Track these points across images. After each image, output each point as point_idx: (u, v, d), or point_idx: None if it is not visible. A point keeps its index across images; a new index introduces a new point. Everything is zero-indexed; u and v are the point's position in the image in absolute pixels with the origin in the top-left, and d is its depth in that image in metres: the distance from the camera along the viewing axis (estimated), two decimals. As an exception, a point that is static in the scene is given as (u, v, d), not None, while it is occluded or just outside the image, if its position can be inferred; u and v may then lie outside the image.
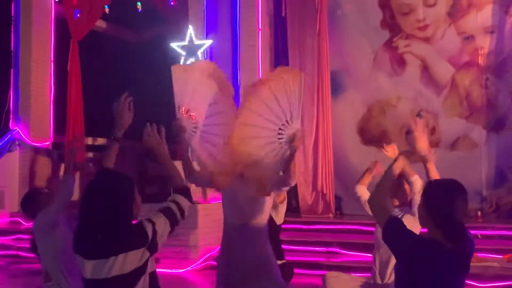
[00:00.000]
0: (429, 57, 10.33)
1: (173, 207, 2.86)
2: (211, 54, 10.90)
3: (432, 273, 2.75)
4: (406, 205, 5.00)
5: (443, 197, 2.84)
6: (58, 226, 4.26)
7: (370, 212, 4.41)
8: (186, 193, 2.98)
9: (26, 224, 9.33)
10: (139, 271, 2.69)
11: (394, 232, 2.85)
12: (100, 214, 2.66)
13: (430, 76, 10.32)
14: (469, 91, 10.03)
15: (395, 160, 3.14)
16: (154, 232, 2.70)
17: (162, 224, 2.76)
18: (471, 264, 2.94)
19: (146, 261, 2.71)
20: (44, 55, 11.54)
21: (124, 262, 2.62)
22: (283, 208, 6.49)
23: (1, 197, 10.74)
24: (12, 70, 11.41)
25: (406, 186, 4.94)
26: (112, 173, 2.98)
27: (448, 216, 2.80)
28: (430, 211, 2.84)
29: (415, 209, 4.54)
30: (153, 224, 2.72)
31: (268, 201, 4.22)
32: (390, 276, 4.86)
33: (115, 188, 2.74)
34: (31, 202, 4.50)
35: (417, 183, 4.76)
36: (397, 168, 3.10)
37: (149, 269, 2.79)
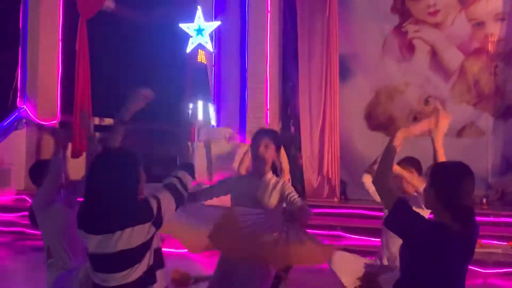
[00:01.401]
0: (439, 43, 10.27)
1: (178, 183, 2.88)
2: (219, 35, 10.86)
3: (438, 256, 2.74)
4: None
5: (452, 178, 2.83)
6: (54, 204, 4.27)
7: (377, 199, 4.39)
8: (190, 169, 3.00)
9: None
10: (145, 246, 2.72)
11: (402, 214, 2.83)
12: (107, 188, 2.68)
13: (439, 62, 10.26)
14: (477, 78, 9.98)
15: (394, 135, 3.07)
16: (159, 207, 2.73)
17: (166, 200, 2.79)
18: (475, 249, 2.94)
19: (152, 236, 2.75)
20: (52, 33, 11.52)
21: (130, 236, 2.65)
22: None
23: (7, 174, 10.79)
24: (20, 48, 11.41)
25: (405, 184, 4.88)
26: (118, 149, 3.02)
27: (458, 197, 2.79)
28: (439, 193, 2.82)
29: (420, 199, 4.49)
30: (158, 199, 2.75)
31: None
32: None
33: (121, 163, 2.76)
34: (38, 173, 4.50)
35: None
36: (396, 142, 3.03)
37: (154, 246, 2.82)
